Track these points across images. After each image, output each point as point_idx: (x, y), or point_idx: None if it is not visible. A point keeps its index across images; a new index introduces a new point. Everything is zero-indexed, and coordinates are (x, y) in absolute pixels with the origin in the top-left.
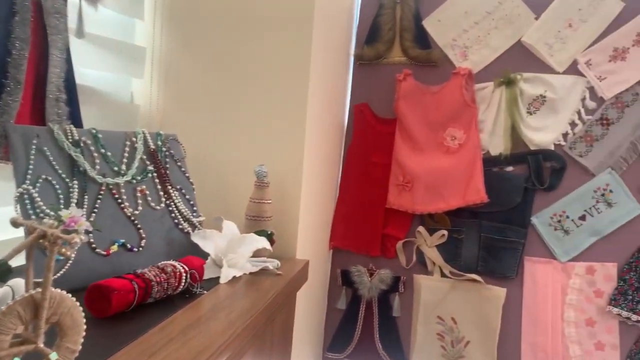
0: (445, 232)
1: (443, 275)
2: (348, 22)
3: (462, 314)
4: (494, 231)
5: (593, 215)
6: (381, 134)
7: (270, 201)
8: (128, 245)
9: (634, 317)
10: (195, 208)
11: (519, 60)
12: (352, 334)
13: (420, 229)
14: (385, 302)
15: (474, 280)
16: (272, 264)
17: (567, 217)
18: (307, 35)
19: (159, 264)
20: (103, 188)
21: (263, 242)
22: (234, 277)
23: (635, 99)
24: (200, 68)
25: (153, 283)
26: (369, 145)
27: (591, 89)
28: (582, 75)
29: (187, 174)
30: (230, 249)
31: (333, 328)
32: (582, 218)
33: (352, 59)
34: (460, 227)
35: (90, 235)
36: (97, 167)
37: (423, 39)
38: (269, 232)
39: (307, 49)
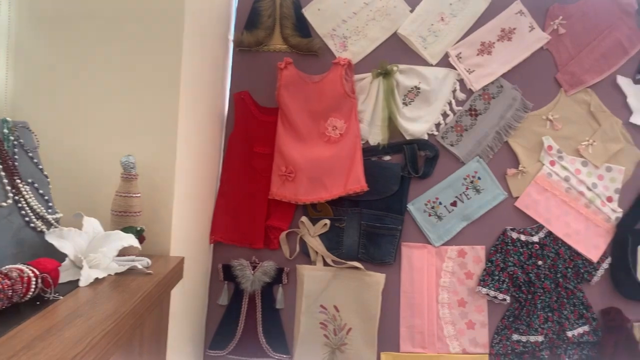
0: (328, 222)
1: (326, 264)
2: (226, 6)
3: (344, 302)
4: (374, 219)
5: (463, 201)
6: (263, 123)
7: (139, 195)
8: None
9: (500, 296)
10: (50, 204)
11: (396, 52)
12: (235, 329)
13: (304, 219)
14: (268, 295)
15: (355, 268)
16: (141, 262)
17: (440, 203)
18: (178, 18)
19: (3, 268)
20: None
21: (130, 240)
22: (97, 279)
23: (500, 91)
24: (58, 50)
25: None
26: (251, 134)
27: (461, 81)
28: (453, 67)
29: (40, 166)
30: (92, 249)
31: (215, 325)
32: (454, 204)
33: (231, 45)
34: (342, 216)
35: None
36: None
37: (303, 27)
38: (139, 229)
39: (178, 32)
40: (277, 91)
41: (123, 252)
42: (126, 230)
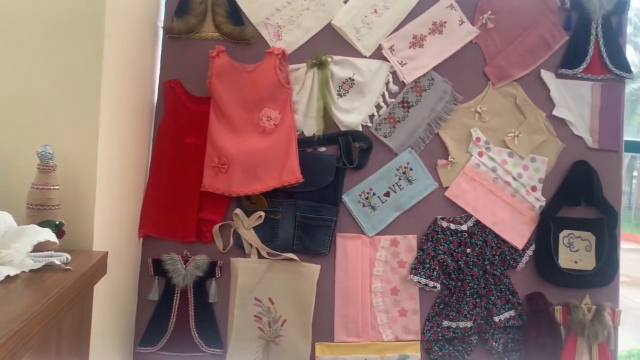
0: (263, 214)
1: (260, 256)
2: None
3: (279, 294)
4: (309, 210)
5: (396, 191)
6: (195, 113)
7: (57, 187)
8: None
9: (431, 284)
10: None
11: (331, 42)
12: (166, 325)
13: (238, 211)
14: (201, 289)
15: (290, 259)
16: (59, 258)
17: (374, 194)
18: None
19: None
20: None
21: (46, 234)
22: (8, 277)
23: (432, 84)
24: None
25: None
26: (182, 125)
27: (394, 74)
28: (386, 60)
29: None
30: (3, 245)
31: (146, 321)
32: (387, 194)
33: (161, 31)
34: (277, 208)
35: None
36: None
37: (236, 15)
38: (57, 223)
39: (99, 14)
40: (209, 80)
41: (40, 248)
42: (43, 224)
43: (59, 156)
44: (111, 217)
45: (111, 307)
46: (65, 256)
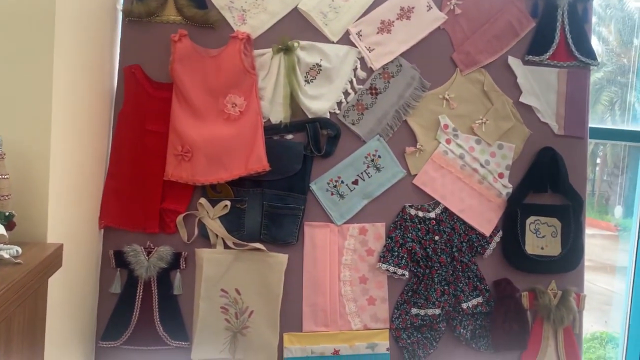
0: (228, 203)
1: (226, 247)
2: None
3: (246, 284)
4: (276, 199)
5: (364, 179)
6: (156, 99)
7: (7, 176)
8: None
9: (400, 272)
10: None
11: (297, 27)
12: (129, 318)
13: (202, 200)
14: (165, 281)
15: (257, 249)
16: (8, 251)
17: (342, 182)
18: None
19: None
20: None
21: None
22: None
23: (400, 70)
24: None
25: None
26: (143, 111)
27: (362, 60)
28: (354, 45)
29: None
30: None
31: (108, 315)
32: (355, 182)
33: (120, 14)
34: (243, 197)
35: None
36: None
37: None
38: (7, 214)
39: None
40: (171, 65)
41: None
42: None
43: (7, 143)
44: (68, 207)
45: (70, 301)
46: (15, 249)
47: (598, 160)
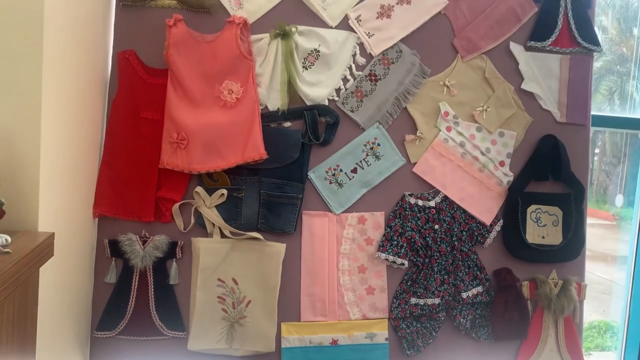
0: (225, 192)
1: (223, 236)
2: None
3: (243, 274)
4: (274, 188)
5: (363, 167)
6: (151, 85)
7: None
8: None
9: (399, 261)
10: None
11: (295, 12)
12: (125, 308)
13: (199, 189)
14: (161, 271)
15: (255, 239)
16: None
17: (341, 170)
18: None
19: None
20: None
21: None
22: None
23: (399, 56)
24: None
25: None
26: (138, 98)
27: (361, 45)
28: (353, 31)
29: None
30: None
31: (103, 305)
32: (354, 171)
33: None
34: (240, 186)
35: None
36: None
37: None
38: None
39: None
40: (166, 51)
41: None
42: None
43: None
44: (60, 195)
45: (64, 291)
46: (4, 238)
47: (597, 150)
